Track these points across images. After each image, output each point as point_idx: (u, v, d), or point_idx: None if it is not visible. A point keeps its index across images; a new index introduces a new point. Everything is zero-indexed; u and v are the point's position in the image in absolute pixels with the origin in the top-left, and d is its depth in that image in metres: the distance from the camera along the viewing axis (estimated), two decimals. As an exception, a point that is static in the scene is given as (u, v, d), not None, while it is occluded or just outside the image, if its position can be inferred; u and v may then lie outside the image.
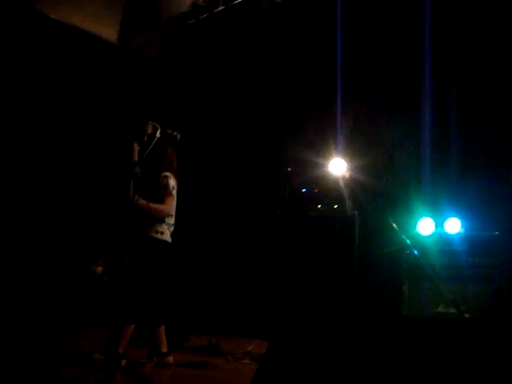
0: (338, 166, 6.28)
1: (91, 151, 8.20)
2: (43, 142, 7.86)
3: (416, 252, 5.59)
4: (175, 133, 4.69)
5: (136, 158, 4.58)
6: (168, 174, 4.80)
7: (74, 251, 7.70)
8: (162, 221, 4.71)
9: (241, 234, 8.18)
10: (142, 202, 4.54)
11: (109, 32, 8.73)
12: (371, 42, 7.06)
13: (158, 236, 4.66)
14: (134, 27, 8.55)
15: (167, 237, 4.76)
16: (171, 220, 4.80)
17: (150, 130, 4.55)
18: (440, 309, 5.43)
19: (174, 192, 4.79)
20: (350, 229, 6.03)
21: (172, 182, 4.78)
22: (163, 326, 4.83)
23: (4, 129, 7.39)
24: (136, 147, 4.64)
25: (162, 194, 4.71)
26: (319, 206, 6.17)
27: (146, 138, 4.56)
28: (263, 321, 6.45)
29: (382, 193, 6.72)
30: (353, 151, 6.81)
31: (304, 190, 6.26)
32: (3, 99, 7.50)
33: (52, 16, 8.08)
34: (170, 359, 4.84)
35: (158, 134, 4.53)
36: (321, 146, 7.06)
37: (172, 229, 4.83)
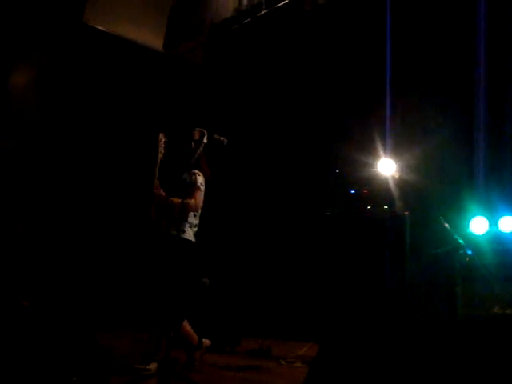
0: (387, 166, 6.21)
1: (141, 159, 8.32)
2: (93, 148, 8.02)
3: (469, 252, 5.49)
4: (222, 138, 4.67)
5: (162, 149, 4.60)
6: (196, 171, 4.73)
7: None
8: (184, 219, 4.61)
9: (291, 237, 8.17)
10: (164, 196, 4.57)
11: (154, 40, 8.85)
12: (421, 39, 6.95)
13: (180, 234, 4.56)
14: (179, 35, 8.64)
15: (189, 236, 4.66)
16: (194, 220, 4.71)
17: (196, 136, 4.57)
18: (496, 310, 5.29)
19: (203, 189, 4.71)
20: (400, 229, 5.93)
21: (200, 179, 4.71)
22: (186, 321, 4.76)
23: (55, 136, 7.57)
24: (162, 138, 4.67)
25: (189, 189, 4.62)
26: (369, 207, 6.09)
27: (193, 144, 4.59)
28: (314, 324, 6.41)
29: (432, 192, 6.59)
30: (402, 151, 6.72)
31: (353, 191, 6.19)
32: (54, 110, 7.68)
33: (98, 27, 8.24)
34: (203, 347, 4.85)
35: (205, 140, 4.53)
36: (369, 146, 6.99)
37: (195, 229, 4.74)
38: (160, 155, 4.61)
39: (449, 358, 1.86)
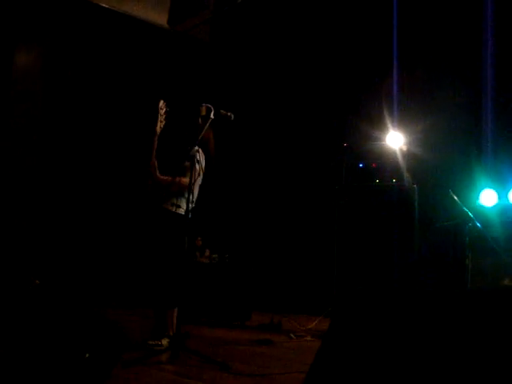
0: (395, 140, 6.17)
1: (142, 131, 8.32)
2: (99, 127, 8.02)
3: (479, 224, 5.47)
4: (229, 113, 4.64)
5: (162, 118, 4.59)
6: (197, 148, 4.65)
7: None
8: (182, 195, 4.58)
9: (300, 211, 8.19)
10: (160, 176, 4.55)
11: (159, 17, 8.77)
12: (428, 11, 6.87)
13: (174, 209, 4.56)
14: (183, 10, 8.56)
15: (182, 210, 4.58)
16: (191, 196, 4.53)
17: (203, 112, 4.54)
18: (506, 282, 5.28)
19: (198, 166, 4.62)
20: (409, 203, 5.92)
21: (198, 157, 4.64)
22: (176, 310, 4.56)
23: (61, 115, 7.57)
24: (163, 106, 4.64)
25: (186, 166, 4.56)
26: (377, 181, 6.07)
27: (200, 120, 4.57)
28: (324, 298, 6.44)
29: (441, 165, 6.57)
30: (410, 124, 6.68)
31: (361, 165, 6.16)
32: (60, 90, 7.67)
33: (102, 4, 8.17)
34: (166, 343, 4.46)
35: (212, 116, 4.51)
36: (377, 119, 6.96)
37: (193, 205, 4.58)
38: (160, 124, 4.59)
39: (459, 331, 1.85)
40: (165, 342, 4.43)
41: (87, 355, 3.09)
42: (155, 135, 4.59)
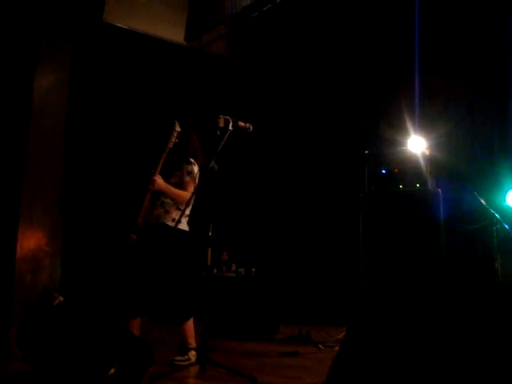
0: (416, 144, 6.11)
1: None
2: (119, 143, 8.08)
3: (507, 226, 5.37)
4: (247, 125, 4.63)
5: (174, 139, 4.62)
6: (192, 160, 4.70)
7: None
8: (179, 209, 4.56)
9: (324, 221, 8.14)
10: (162, 182, 4.51)
11: (176, 34, 8.86)
12: (449, 13, 6.81)
13: (174, 225, 4.49)
14: (199, 26, 8.63)
15: (184, 226, 4.61)
16: (187, 211, 4.60)
17: (221, 124, 4.53)
18: (537, 283, 5.16)
19: (196, 181, 4.66)
20: (434, 207, 5.83)
21: (196, 169, 4.68)
22: (191, 320, 4.56)
23: (83, 133, 7.63)
24: (177, 127, 4.66)
25: (184, 180, 4.61)
26: (401, 186, 6.00)
27: (218, 131, 4.56)
28: (353, 308, 6.35)
29: (465, 167, 6.48)
30: (431, 127, 6.61)
31: (384, 171, 6.10)
32: (81, 110, 7.75)
33: (119, 25, 8.28)
34: (194, 356, 4.47)
35: (230, 127, 4.50)
36: (398, 124, 6.90)
37: (188, 219, 4.67)
38: (170, 144, 4.61)
39: (488, 339, 1.79)
40: (191, 355, 4.41)
41: (113, 370, 3.09)
42: (165, 152, 4.60)
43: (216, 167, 4.45)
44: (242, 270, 7.76)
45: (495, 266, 5.47)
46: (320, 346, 5.51)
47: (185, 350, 4.45)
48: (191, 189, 4.58)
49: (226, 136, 4.46)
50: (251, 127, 4.63)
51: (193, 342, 4.51)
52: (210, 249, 4.30)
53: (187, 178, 4.62)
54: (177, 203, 4.60)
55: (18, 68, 7.21)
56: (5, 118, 7.09)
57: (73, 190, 7.40)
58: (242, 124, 4.59)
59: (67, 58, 7.56)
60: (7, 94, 7.12)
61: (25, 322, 3.72)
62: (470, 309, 1.83)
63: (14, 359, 4.35)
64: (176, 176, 4.66)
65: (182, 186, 4.61)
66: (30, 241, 6.95)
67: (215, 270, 7.88)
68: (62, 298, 3.47)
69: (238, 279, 7.27)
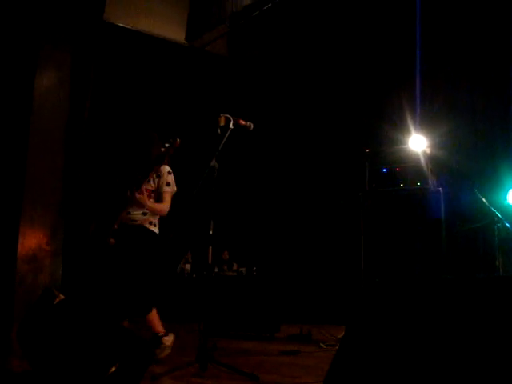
0: (418, 143, 6.09)
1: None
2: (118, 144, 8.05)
3: (508, 224, 5.36)
4: (248, 123, 4.63)
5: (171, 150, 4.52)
6: (170, 169, 4.70)
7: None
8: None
9: (324, 220, 8.13)
10: (142, 198, 4.44)
11: (176, 33, 8.86)
12: (451, 14, 6.81)
13: (152, 228, 4.58)
14: (200, 25, 8.62)
15: (157, 229, 4.64)
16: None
17: (222, 123, 4.53)
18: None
19: (174, 190, 4.69)
20: (435, 206, 5.82)
21: (173, 178, 4.69)
22: (154, 310, 4.60)
23: (83, 133, 7.62)
24: (178, 142, 4.55)
25: (163, 190, 4.61)
26: (401, 185, 5.99)
27: (219, 130, 4.56)
28: (352, 306, 6.35)
29: (466, 166, 6.47)
30: (432, 126, 6.60)
31: (385, 170, 6.09)
32: (82, 110, 7.74)
33: (119, 24, 8.27)
34: (169, 340, 4.55)
35: (231, 126, 4.49)
36: (399, 123, 6.90)
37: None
38: (167, 157, 4.54)
39: (488, 334, 1.78)
40: (165, 340, 4.46)
41: (114, 369, 3.08)
42: (158, 165, 4.56)
43: (217, 166, 4.44)
44: (243, 269, 7.77)
45: (496, 265, 5.46)
46: (321, 345, 5.50)
47: (158, 339, 4.46)
48: (169, 200, 4.60)
49: (227, 134, 4.46)
50: (252, 126, 4.64)
51: (161, 329, 4.55)
52: (210, 247, 4.28)
53: (166, 189, 4.61)
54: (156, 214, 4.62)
55: (18, 67, 7.20)
56: (5, 117, 7.08)
57: (74, 190, 7.39)
58: (242, 122, 4.59)
59: (68, 57, 7.55)
60: (8, 92, 7.11)
61: (26, 321, 3.72)
62: (470, 304, 1.82)
63: (15, 358, 4.35)
64: (152, 183, 4.62)
65: (159, 195, 4.61)
66: (31, 240, 6.95)
67: (216, 269, 7.89)
68: (62, 297, 3.47)
69: (239, 278, 7.28)
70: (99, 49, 7.80)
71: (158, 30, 8.60)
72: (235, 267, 8.23)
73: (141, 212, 4.54)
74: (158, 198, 4.61)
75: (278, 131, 8.76)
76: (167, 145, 4.49)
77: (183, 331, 6.65)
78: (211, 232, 4.29)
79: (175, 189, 4.69)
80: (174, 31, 8.79)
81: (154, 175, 4.62)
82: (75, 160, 7.46)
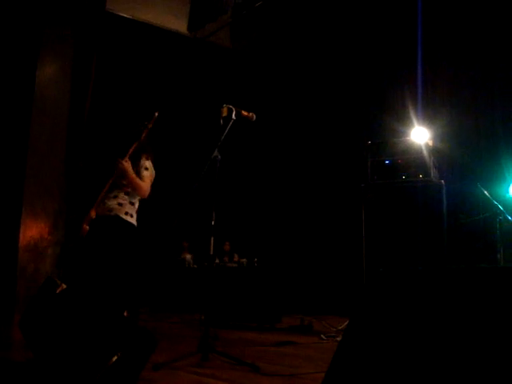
0: (420, 135, 6.08)
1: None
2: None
3: (510, 217, 5.36)
4: (250, 114, 4.62)
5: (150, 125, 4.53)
6: (146, 154, 4.63)
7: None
8: (132, 204, 4.54)
9: (326, 211, 8.14)
10: (128, 167, 4.40)
11: (179, 24, 8.83)
12: (453, 4, 6.78)
13: (128, 218, 4.48)
14: (203, 16, 8.59)
15: (134, 220, 4.56)
16: (137, 204, 4.61)
17: (225, 113, 4.52)
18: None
19: (153, 175, 4.63)
20: (437, 199, 5.82)
21: (150, 161, 4.62)
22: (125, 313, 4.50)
23: (85, 123, 7.61)
24: (156, 116, 4.57)
25: (142, 174, 4.52)
26: (404, 177, 5.98)
27: (221, 121, 4.55)
28: (355, 298, 6.37)
29: (468, 158, 6.46)
30: (435, 118, 6.59)
31: (387, 162, 6.08)
32: (85, 100, 7.72)
33: (122, 14, 8.24)
34: None
35: (233, 117, 4.48)
36: (402, 115, 6.89)
37: (136, 215, 4.61)
38: (146, 132, 4.54)
39: (491, 324, 1.78)
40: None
41: (115, 358, 3.09)
42: (138, 141, 4.53)
43: (219, 156, 4.43)
44: (244, 260, 7.79)
45: (497, 257, 5.47)
46: (322, 336, 5.52)
47: None
48: (149, 184, 4.55)
49: (230, 125, 4.45)
50: (254, 116, 4.63)
51: None
52: (212, 238, 4.28)
53: (145, 173, 4.55)
54: (135, 194, 4.54)
55: (20, 58, 7.19)
56: (7, 107, 7.08)
57: (76, 179, 7.39)
58: (245, 113, 4.58)
59: (70, 48, 7.53)
60: (9, 83, 7.10)
61: (28, 310, 3.73)
62: (473, 295, 1.83)
63: (17, 347, 4.36)
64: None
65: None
66: (33, 230, 6.96)
67: (217, 260, 7.91)
68: (64, 286, 3.47)
69: (241, 269, 7.30)
70: (101, 39, 7.77)
71: (161, 21, 8.58)
72: (236, 258, 8.25)
73: (116, 202, 4.46)
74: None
75: (281, 122, 8.75)
76: (146, 123, 4.53)
77: (185, 322, 6.70)
78: (213, 223, 4.29)
79: (154, 174, 4.62)
80: (176, 22, 8.76)
81: (132, 161, 4.53)
82: (77, 149, 7.45)
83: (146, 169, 4.57)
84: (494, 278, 1.79)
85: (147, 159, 4.62)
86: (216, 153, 4.41)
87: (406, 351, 1.88)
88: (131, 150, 4.50)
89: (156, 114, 4.54)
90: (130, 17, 8.43)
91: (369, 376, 1.90)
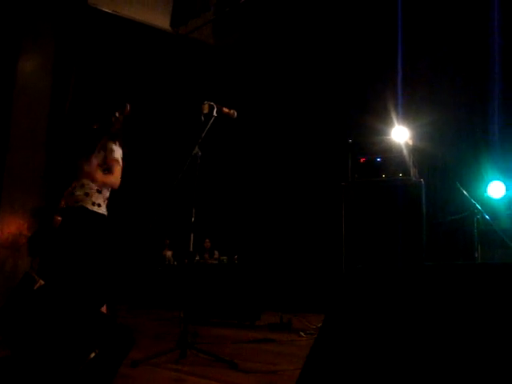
0: (400, 134, 6.12)
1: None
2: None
3: (487, 216, 5.41)
4: (232, 111, 4.62)
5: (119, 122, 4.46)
6: (116, 142, 4.46)
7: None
8: (99, 192, 4.35)
9: (306, 209, 8.17)
10: (90, 169, 4.28)
11: (161, 20, 8.79)
12: (432, 4, 6.84)
13: (95, 209, 4.30)
14: (185, 12, 8.57)
15: (104, 209, 4.38)
16: (107, 193, 4.43)
17: (206, 110, 4.51)
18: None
19: (121, 163, 4.45)
20: (416, 197, 5.85)
21: (120, 152, 4.45)
22: (104, 307, 4.35)
23: (67, 118, 7.56)
24: (128, 108, 4.50)
25: (110, 163, 4.37)
26: (383, 176, 6.02)
27: (202, 117, 4.54)
28: (331, 295, 6.39)
29: (447, 158, 6.52)
30: (415, 117, 6.64)
31: (367, 160, 6.10)
32: (65, 95, 7.67)
33: (104, 9, 8.18)
34: None
35: (214, 113, 4.48)
36: (382, 113, 6.93)
37: (107, 202, 4.45)
38: (116, 126, 4.45)
39: (468, 321, 1.80)
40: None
41: (93, 354, 3.08)
42: (108, 134, 4.43)
43: (200, 153, 4.42)
44: (224, 257, 7.79)
45: (475, 256, 5.53)
46: (301, 333, 5.54)
47: None
48: (119, 172, 4.39)
49: (211, 122, 4.44)
50: (235, 113, 4.63)
51: None
52: (192, 235, 4.27)
53: (113, 158, 4.39)
54: (103, 187, 4.38)
55: (0, 52, 7.12)
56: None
57: (55, 174, 7.34)
58: (226, 110, 4.58)
59: (51, 42, 7.49)
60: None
61: (6, 306, 3.70)
62: (450, 292, 1.85)
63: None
64: (98, 156, 4.41)
65: (107, 168, 4.38)
66: (11, 226, 6.91)
67: (198, 257, 7.90)
68: (42, 282, 3.45)
69: (221, 266, 7.29)
70: (83, 34, 7.72)
71: (143, 16, 8.53)
72: (216, 255, 8.25)
73: (83, 192, 4.30)
74: (107, 169, 4.37)
75: (262, 120, 8.76)
76: (117, 113, 4.39)
77: (164, 318, 6.69)
78: (193, 219, 4.28)
79: (120, 162, 4.45)
80: (158, 17, 8.72)
81: (102, 150, 4.41)
82: (57, 144, 7.40)
83: (116, 159, 4.40)
84: (471, 274, 1.81)
85: (118, 146, 4.44)
86: (196, 149, 4.40)
87: (381, 348, 1.90)
88: (99, 145, 4.39)
89: (128, 106, 4.44)
90: (112, 12, 8.37)
91: (343, 373, 1.92)
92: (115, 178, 4.39)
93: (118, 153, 4.44)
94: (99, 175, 4.33)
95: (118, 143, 4.48)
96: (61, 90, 7.57)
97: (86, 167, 4.30)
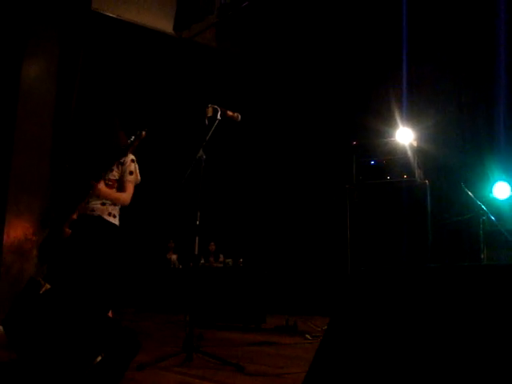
0: (404, 135, 6.12)
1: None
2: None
3: (493, 217, 5.40)
4: (236, 114, 4.62)
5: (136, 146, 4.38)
6: (133, 157, 4.46)
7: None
8: (115, 204, 4.40)
9: (312, 212, 8.16)
10: (102, 188, 4.29)
11: (165, 24, 8.81)
12: (437, 6, 6.83)
13: (111, 219, 4.36)
14: (189, 16, 8.58)
15: (117, 221, 4.43)
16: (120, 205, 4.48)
17: (210, 113, 4.52)
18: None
19: (137, 178, 4.48)
20: (421, 199, 5.86)
21: (135, 167, 4.46)
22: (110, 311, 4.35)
23: (71, 122, 7.57)
24: (143, 134, 4.43)
25: (125, 179, 4.38)
26: (388, 178, 6.02)
27: (206, 121, 4.55)
28: (337, 298, 6.38)
29: (452, 159, 6.51)
30: (419, 119, 6.64)
31: (372, 162, 6.11)
32: (70, 99, 7.69)
33: (108, 14, 8.20)
34: None
35: (218, 117, 4.48)
36: (386, 115, 6.92)
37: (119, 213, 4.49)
38: (133, 148, 4.37)
39: (474, 322, 1.80)
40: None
41: (99, 358, 3.08)
42: (121, 156, 4.37)
43: (204, 156, 4.43)
44: (229, 260, 7.78)
45: (481, 257, 5.51)
46: (307, 336, 5.53)
47: None
48: (131, 189, 4.41)
49: (215, 125, 4.45)
50: (239, 117, 4.63)
51: None
52: (197, 238, 4.28)
53: (128, 178, 4.39)
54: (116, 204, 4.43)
55: (4, 58, 7.14)
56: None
57: (61, 179, 7.35)
58: (230, 114, 4.58)
59: (56, 47, 7.49)
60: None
61: (12, 310, 3.71)
62: (455, 293, 1.84)
63: (0, 347, 4.33)
64: (115, 172, 4.41)
65: (121, 184, 4.40)
66: (17, 230, 6.91)
67: (203, 261, 7.90)
68: (48, 286, 3.46)
69: (226, 269, 7.29)
70: (87, 39, 7.73)
71: (147, 20, 8.54)
72: (221, 258, 8.24)
73: (100, 202, 4.33)
74: (120, 186, 4.39)
75: (267, 123, 8.76)
76: (133, 137, 4.31)
77: (170, 322, 6.69)
78: (198, 222, 4.29)
79: (139, 178, 4.48)
80: (162, 21, 8.73)
81: (117, 164, 4.40)
82: (63, 148, 7.41)
83: (131, 173, 4.41)
84: (478, 275, 1.81)
85: (133, 161, 4.46)
86: (201, 153, 4.41)
87: (388, 350, 1.89)
88: (107, 172, 4.35)
89: (144, 133, 4.33)
90: (116, 16, 8.39)
91: (349, 375, 1.91)
92: (127, 195, 4.39)
93: (133, 165, 4.43)
94: (109, 194, 4.33)
95: (132, 161, 4.45)
96: (66, 95, 7.58)
97: (96, 187, 4.26)
